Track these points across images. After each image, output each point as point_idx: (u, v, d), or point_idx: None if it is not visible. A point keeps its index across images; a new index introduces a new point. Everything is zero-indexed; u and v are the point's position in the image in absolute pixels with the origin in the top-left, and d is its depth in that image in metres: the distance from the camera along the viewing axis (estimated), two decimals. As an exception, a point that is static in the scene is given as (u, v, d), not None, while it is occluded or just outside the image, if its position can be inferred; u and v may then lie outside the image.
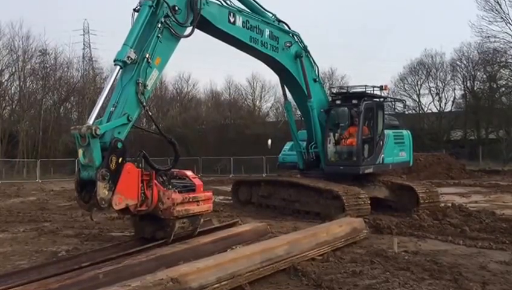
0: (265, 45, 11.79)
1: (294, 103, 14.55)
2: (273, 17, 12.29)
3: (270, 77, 50.40)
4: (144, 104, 7.72)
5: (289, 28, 12.74)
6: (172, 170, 8.32)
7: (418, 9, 79.05)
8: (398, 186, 13.38)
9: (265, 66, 12.97)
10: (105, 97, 7.37)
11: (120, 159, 6.91)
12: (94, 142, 6.73)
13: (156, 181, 7.53)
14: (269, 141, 14.58)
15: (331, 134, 13.52)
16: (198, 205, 7.97)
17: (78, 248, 8.70)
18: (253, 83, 53.34)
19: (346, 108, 13.33)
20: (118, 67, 7.53)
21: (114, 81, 7.59)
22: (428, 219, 11.31)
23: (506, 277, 6.67)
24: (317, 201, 12.48)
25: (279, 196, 13.67)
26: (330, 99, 14.11)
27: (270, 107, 50.78)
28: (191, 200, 7.81)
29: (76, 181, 7.00)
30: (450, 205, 13.16)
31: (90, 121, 6.89)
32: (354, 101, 13.48)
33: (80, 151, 6.83)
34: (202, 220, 8.33)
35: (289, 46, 12.55)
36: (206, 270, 5.76)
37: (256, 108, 51.12)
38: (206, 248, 7.74)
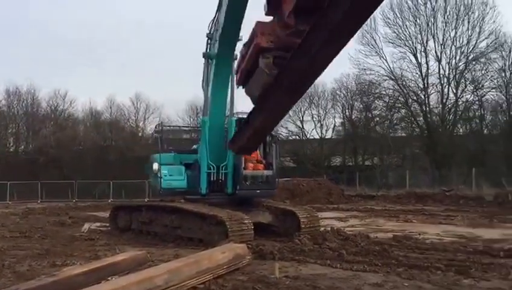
0: None
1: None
2: None
3: (155, 97, 49.78)
4: None
5: None
6: None
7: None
8: (281, 211, 13.54)
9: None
10: None
11: None
12: None
13: None
14: (155, 165, 13.86)
15: (242, 157, 13.36)
16: None
17: None
18: (137, 103, 52.32)
19: None
20: None
21: None
22: (309, 243, 11.49)
23: (379, 298, 6.88)
24: (200, 227, 12.20)
25: (161, 222, 13.19)
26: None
27: (161, 129, 49.76)
28: None
29: None
30: (329, 229, 13.53)
31: None
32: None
33: None
34: None
35: None
36: (75, 306, 5.22)
37: (139, 129, 49.91)
38: (77, 279, 7.07)
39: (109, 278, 7.41)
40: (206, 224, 12.02)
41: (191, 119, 50.70)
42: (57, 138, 44.43)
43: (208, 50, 13.16)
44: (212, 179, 13.35)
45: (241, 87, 6.48)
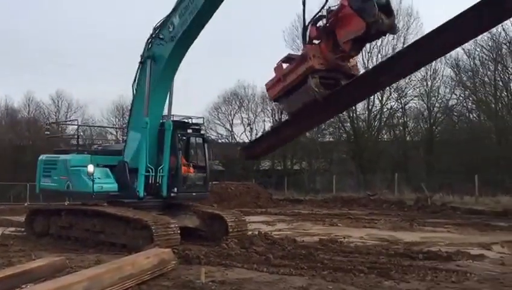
0: None
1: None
2: None
3: (78, 96, 48.14)
4: None
5: None
6: None
7: (235, 42, 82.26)
8: (208, 215, 13.46)
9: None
10: None
11: None
12: None
13: None
14: (90, 167, 12.90)
15: (180, 160, 13.24)
16: None
17: None
18: (58, 102, 50.38)
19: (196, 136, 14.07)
20: None
21: None
22: (236, 247, 11.49)
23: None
24: (124, 232, 11.83)
25: (82, 226, 12.64)
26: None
27: (77, 129, 48.05)
28: None
29: None
30: (256, 233, 13.62)
31: None
32: (203, 132, 14.35)
33: None
34: None
35: None
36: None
37: (60, 129, 47.94)
38: (-12, 289, 6.71)
39: (23, 286, 7.15)
40: (131, 228, 11.70)
41: (117, 120, 49.60)
42: (-33, 137, 41.80)
43: (147, 50, 12.79)
44: (150, 182, 12.94)
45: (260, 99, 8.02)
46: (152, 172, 12.87)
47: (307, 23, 7.37)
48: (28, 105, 49.63)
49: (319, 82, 6.98)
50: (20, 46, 76.30)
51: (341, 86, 7.00)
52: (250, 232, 13.70)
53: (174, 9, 11.93)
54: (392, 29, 6.87)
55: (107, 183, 13.00)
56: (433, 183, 31.50)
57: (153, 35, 12.63)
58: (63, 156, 13.92)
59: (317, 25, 7.24)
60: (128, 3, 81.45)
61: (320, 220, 20.19)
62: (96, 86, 75.99)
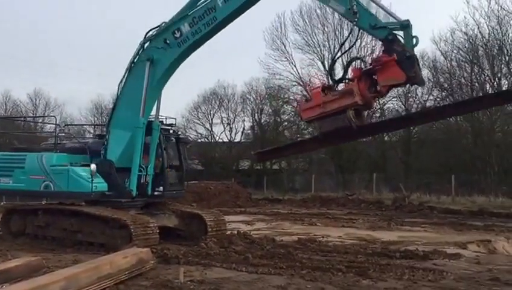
0: None
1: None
2: None
3: (57, 94, 47.57)
4: None
5: None
6: None
7: (216, 41, 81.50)
8: (187, 214, 13.40)
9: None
10: None
11: None
12: None
13: None
14: (92, 166, 12.46)
15: (165, 159, 13.27)
16: None
17: None
18: (36, 100, 49.78)
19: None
20: None
21: None
22: (215, 247, 11.48)
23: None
24: (102, 231, 11.69)
25: (60, 226, 12.44)
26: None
27: (55, 127, 47.49)
28: None
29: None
30: (235, 232, 13.63)
31: None
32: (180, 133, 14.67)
33: None
34: None
35: None
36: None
37: (38, 128, 47.33)
38: (-39, 289, 6.60)
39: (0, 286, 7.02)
40: (109, 228, 11.58)
41: (95, 119, 49.20)
42: None
43: (143, 53, 12.74)
44: (141, 181, 12.83)
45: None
46: (144, 171, 12.83)
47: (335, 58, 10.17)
48: (5, 103, 48.90)
49: (354, 113, 8.68)
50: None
51: (381, 121, 9.78)
52: (229, 232, 13.70)
53: (182, 17, 12.13)
54: (422, 82, 9.26)
55: (99, 183, 12.56)
56: (410, 183, 31.88)
57: (150, 39, 12.68)
58: (33, 154, 13.27)
59: (356, 66, 9.15)
60: (105, 5, 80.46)
61: (299, 219, 20.22)
62: (75, 85, 75.05)
